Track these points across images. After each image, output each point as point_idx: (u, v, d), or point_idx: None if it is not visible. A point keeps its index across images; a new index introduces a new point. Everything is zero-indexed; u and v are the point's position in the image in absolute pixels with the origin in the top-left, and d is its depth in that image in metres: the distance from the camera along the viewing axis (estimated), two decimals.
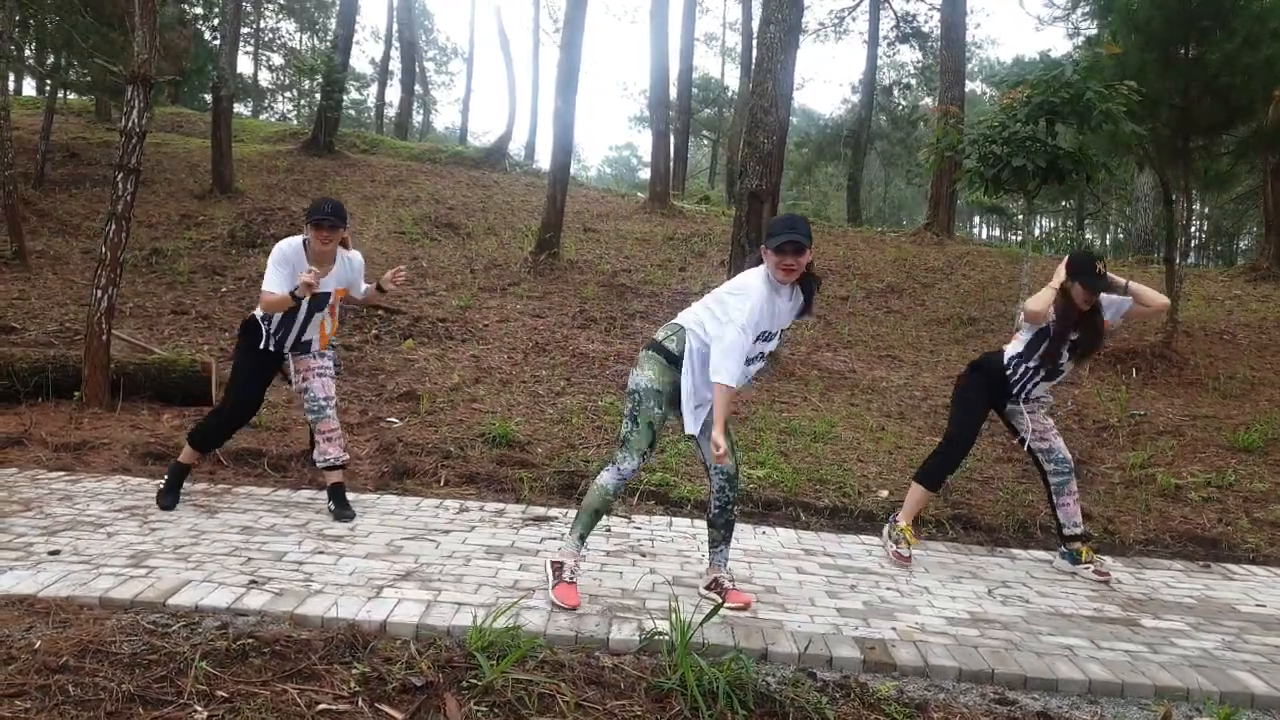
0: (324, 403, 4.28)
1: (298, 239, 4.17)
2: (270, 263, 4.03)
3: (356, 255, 4.42)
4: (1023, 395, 4.25)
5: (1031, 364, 4.17)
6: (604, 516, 3.63)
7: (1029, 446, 4.28)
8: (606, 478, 3.46)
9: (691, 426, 3.41)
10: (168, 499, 4.23)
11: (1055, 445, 4.25)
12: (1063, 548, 4.35)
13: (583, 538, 3.48)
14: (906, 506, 4.29)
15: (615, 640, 3.03)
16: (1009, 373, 4.24)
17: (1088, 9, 13.34)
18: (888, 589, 3.80)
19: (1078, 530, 4.29)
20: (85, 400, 5.88)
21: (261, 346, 4.26)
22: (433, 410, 6.60)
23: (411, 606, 3.16)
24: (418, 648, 2.90)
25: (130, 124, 5.97)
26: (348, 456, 4.46)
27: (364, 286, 4.49)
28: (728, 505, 3.48)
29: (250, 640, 2.85)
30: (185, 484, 4.57)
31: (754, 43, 27.75)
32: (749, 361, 3.35)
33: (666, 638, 2.99)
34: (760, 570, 3.92)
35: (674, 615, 3.02)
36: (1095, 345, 4.19)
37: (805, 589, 3.71)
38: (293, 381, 4.42)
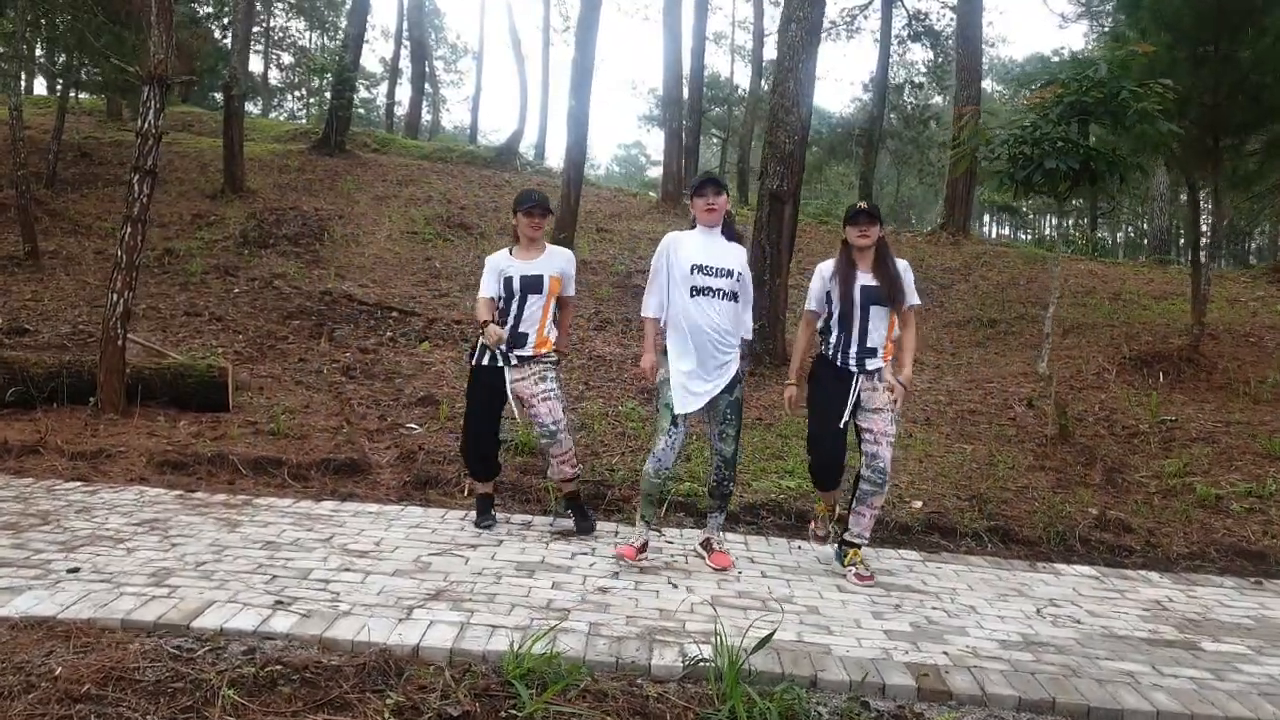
0: (553, 428, 4.20)
1: (501, 251, 4.43)
2: (483, 276, 4.39)
3: (566, 250, 4.46)
4: (849, 364, 3.96)
5: (834, 324, 4.03)
6: (656, 502, 4.09)
7: (861, 447, 3.99)
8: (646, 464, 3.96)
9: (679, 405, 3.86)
10: (483, 521, 4.40)
11: (880, 454, 3.90)
12: (838, 547, 4.15)
13: (644, 519, 4.00)
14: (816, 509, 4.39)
15: (657, 667, 2.90)
16: (824, 348, 4.09)
17: (1112, 3, 13.12)
18: (933, 609, 3.66)
19: (858, 542, 4.03)
20: (101, 406, 5.78)
21: (473, 362, 4.33)
22: (452, 416, 6.47)
23: (444, 629, 3.04)
24: (453, 674, 2.78)
25: (146, 125, 5.86)
26: (580, 470, 4.47)
27: (571, 290, 4.40)
28: (724, 481, 4.01)
29: (278, 667, 2.73)
30: (204, 495, 4.51)
31: (764, 42, 27.59)
32: (697, 292, 3.86)
33: (711, 664, 2.86)
34: (800, 589, 3.79)
35: (719, 640, 2.90)
36: (894, 287, 3.97)
37: (849, 609, 3.57)
38: (515, 412, 4.32)
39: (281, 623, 3.00)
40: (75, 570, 3.34)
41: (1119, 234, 40.42)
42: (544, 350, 4.26)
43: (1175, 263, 20.51)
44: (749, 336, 4.10)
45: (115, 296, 5.90)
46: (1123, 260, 22.72)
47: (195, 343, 8.36)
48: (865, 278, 4.01)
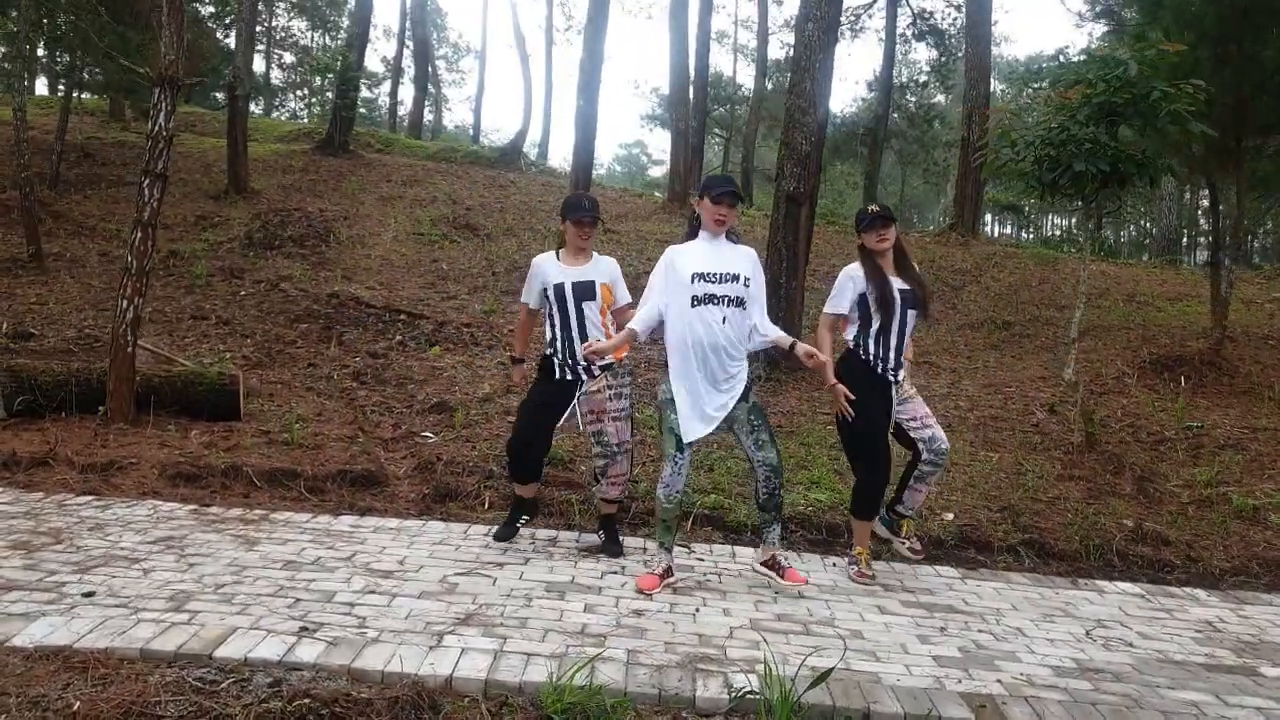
0: (617, 448, 4.05)
1: (548, 253, 4.24)
2: (527, 279, 4.22)
3: (610, 259, 4.29)
4: (888, 374, 3.96)
5: (874, 328, 3.94)
6: (674, 527, 3.87)
7: (912, 436, 4.02)
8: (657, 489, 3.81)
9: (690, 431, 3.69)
10: (506, 531, 4.26)
11: (937, 434, 3.99)
12: (885, 513, 4.15)
13: (663, 545, 3.84)
14: (856, 537, 4.16)
15: (702, 699, 2.77)
16: (863, 355, 3.98)
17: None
18: (980, 631, 3.53)
19: (909, 513, 4.17)
20: (110, 415, 5.64)
21: (557, 377, 4.08)
22: (467, 424, 6.34)
23: (477, 658, 2.90)
24: (489, 708, 2.65)
25: (156, 127, 5.72)
26: (626, 493, 4.37)
27: (627, 299, 4.25)
28: (774, 491, 3.75)
29: (307, 700, 2.60)
30: (219, 510, 4.38)
31: (768, 40, 27.35)
32: (698, 302, 3.65)
33: (759, 697, 2.72)
34: (841, 610, 3.65)
35: (767, 671, 2.76)
36: (925, 291, 4.10)
37: (893, 633, 3.44)
38: (580, 423, 4.10)
39: (308, 651, 2.86)
40: (90, 594, 3.21)
41: (1121, 234, 40.26)
42: (622, 357, 4.10)
43: (1188, 263, 20.37)
44: (773, 335, 3.81)
45: (125, 303, 5.77)
46: (1131, 260, 22.59)
47: (203, 347, 8.23)
48: (898, 282, 3.99)
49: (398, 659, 2.84)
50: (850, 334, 4.07)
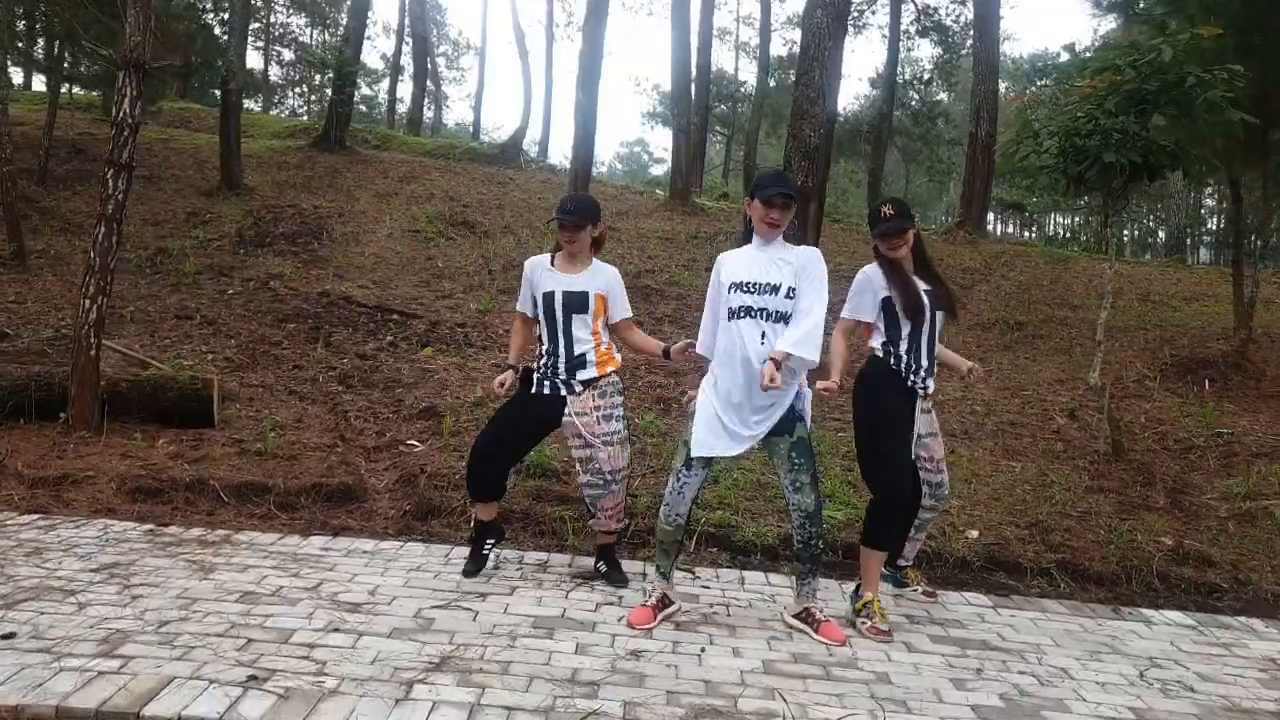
0: (609, 476, 3.66)
1: (542, 256, 3.88)
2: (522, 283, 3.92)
3: (611, 267, 3.86)
4: (918, 384, 3.52)
5: (904, 334, 3.49)
6: (673, 552, 3.51)
7: (921, 476, 3.69)
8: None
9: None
10: (474, 563, 3.81)
11: (945, 481, 3.77)
12: (888, 569, 3.84)
13: (660, 571, 3.50)
14: (866, 578, 3.55)
15: None
16: (893, 363, 3.51)
17: None
18: (1020, 673, 3.14)
19: (907, 564, 3.96)
20: (71, 423, 5.26)
21: (534, 391, 3.74)
22: (456, 431, 5.96)
23: (450, 713, 2.52)
24: None
25: (121, 114, 5.34)
26: (625, 523, 4.07)
27: (626, 313, 3.85)
28: (810, 541, 3.38)
29: None
30: (177, 529, 3.99)
31: (770, 37, 26.97)
32: (734, 315, 3.32)
33: None
34: (863, 649, 3.26)
35: None
36: (949, 290, 3.64)
37: (924, 676, 3.05)
38: (570, 442, 3.77)
39: (253, 707, 2.48)
40: (10, 636, 2.82)
41: (1124, 232, 39.79)
42: (609, 370, 3.71)
43: (1197, 263, 19.98)
44: (809, 356, 3.21)
45: (87, 302, 5.39)
46: (1142, 260, 22.19)
47: (184, 348, 7.85)
48: (920, 284, 3.56)
49: (356, 717, 2.46)
50: (877, 341, 3.60)
